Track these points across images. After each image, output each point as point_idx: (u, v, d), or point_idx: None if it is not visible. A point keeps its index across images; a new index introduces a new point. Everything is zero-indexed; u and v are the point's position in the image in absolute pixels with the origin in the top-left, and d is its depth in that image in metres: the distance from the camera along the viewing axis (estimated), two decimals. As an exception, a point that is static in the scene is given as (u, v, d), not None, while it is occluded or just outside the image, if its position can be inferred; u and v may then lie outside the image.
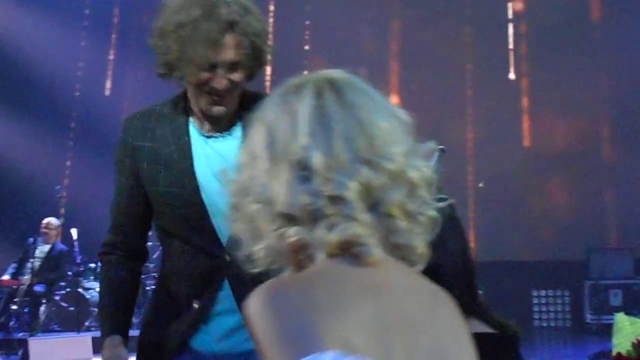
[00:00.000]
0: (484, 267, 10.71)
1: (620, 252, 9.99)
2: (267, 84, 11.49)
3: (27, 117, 10.65)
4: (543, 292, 10.49)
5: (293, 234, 1.09)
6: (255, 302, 1.05)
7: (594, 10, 10.83)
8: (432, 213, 1.15)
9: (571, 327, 10.28)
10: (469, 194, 10.75)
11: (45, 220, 9.14)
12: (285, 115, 1.13)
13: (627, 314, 4.24)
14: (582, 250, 10.06)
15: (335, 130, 1.11)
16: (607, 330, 4.38)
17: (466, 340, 1.16)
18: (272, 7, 11.49)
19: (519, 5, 10.99)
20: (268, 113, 1.16)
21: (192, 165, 2.14)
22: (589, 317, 9.76)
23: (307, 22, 11.48)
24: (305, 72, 1.21)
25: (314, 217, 1.09)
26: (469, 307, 1.61)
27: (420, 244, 1.14)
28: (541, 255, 10.56)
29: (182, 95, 2.20)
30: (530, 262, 10.63)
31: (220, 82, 2.07)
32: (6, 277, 9.04)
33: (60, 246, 9.17)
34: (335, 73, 1.19)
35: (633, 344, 3.90)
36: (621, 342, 3.96)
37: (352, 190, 1.09)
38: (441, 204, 1.16)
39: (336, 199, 1.08)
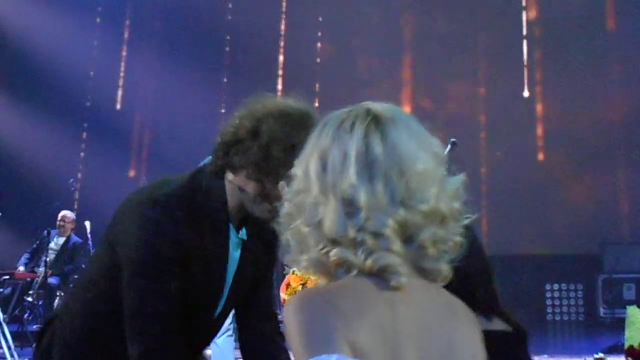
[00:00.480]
0: (497, 261, 10.60)
1: (634, 246, 9.94)
2: (280, 72, 11.49)
3: (40, 110, 10.71)
4: (557, 286, 10.46)
5: (335, 254, 1.29)
6: (291, 304, 1.26)
7: (609, 19, 10.75)
8: (458, 239, 1.33)
9: (585, 320, 10.24)
10: (482, 188, 10.72)
11: (61, 214, 9.22)
12: (337, 150, 1.30)
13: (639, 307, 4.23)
14: (596, 244, 10.02)
15: (379, 172, 1.28)
16: (620, 324, 4.37)
17: (478, 348, 1.32)
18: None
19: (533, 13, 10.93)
20: (323, 143, 1.32)
21: (225, 270, 2.13)
22: (602, 310, 9.73)
23: (320, 19, 11.46)
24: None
25: (355, 245, 1.28)
26: (492, 307, 1.87)
27: (445, 267, 1.32)
28: (555, 249, 10.53)
29: (215, 185, 2.09)
30: (543, 256, 10.59)
31: None
32: (21, 268, 9.11)
33: (75, 239, 9.24)
34: (381, 109, 1.34)
35: (645, 336, 3.88)
36: (633, 335, 3.95)
37: (389, 228, 1.27)
38: (466, 221, 1.34)
39: (376, 235, 1.27)
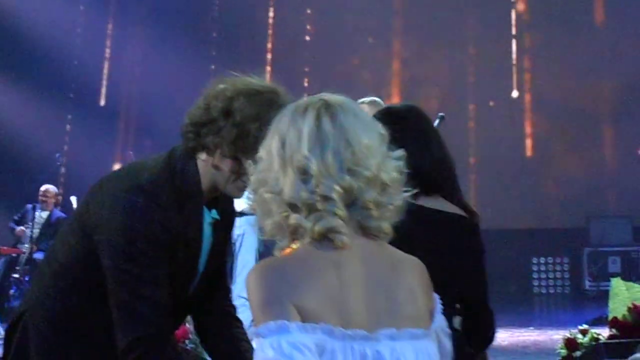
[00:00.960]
0: (485, 234, 10.67)
1: (619, 220, 10.01)
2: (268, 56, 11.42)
3: (26, 83, 10.61)
4: (543, 260, 10.54)
5: (293, 219, 1.54)
6: (251, 274, 1.52)
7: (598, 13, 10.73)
8: (399, 203, 1.58)
9: (570, 293, 10.34)
10: (469, 162, 10.74)
11: (43, 188, 9.16)
12: (293, 130, 1.57)
13: (624, 280, 4.27)
14: (581, 218, 10.08)
15: (328, 146, 1.55)
16: (605, 297, 4.41)
17: (421, 297, 1.57)
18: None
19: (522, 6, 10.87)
20: (282, 126, 1.59)
21: (200, 250, 2.16)
22: (587, 283, 9.82)
23: (308, 11, 11.37)
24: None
25: (308, 209, 1.53)
26: (453, 193, 2.28)
27: (387, 226, 1.57)
28: (541, 222, 10.59)
29: (189, 167, 2.10)
30: (530, 229, 10.66)
31: None
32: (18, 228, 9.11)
33: (59, 214, 9.19)
34: (332, 98, 1.61)
35: (629, 308, 3.92)
36: (617, 307, 3.98)
37: (336, 192, 1.53)
38: (406, 194, 1.60)
39: (325, 197, 1.52)
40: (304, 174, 1.54)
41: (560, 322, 7.64)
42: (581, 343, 4.01)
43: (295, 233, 1.55)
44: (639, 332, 3.83)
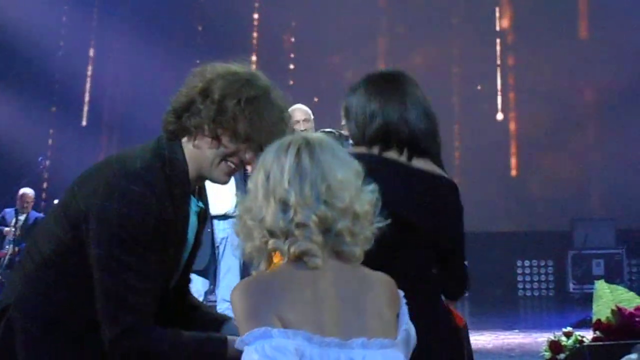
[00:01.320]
0: (470, 237, 10.67)
1: (603, 223, 10.07)
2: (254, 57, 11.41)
3: (9, 85, 10.54)
4: (527, 263, 10.58)
5: (271, 243, 1.74)
6: (236, 291, 1.73)
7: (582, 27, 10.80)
8: (368, 234, 1.78)
9: (555, 296, 10.39)
10: (455, 165, 10.77)
11: (21, 192, 9.24)
12: (277, 165, 1.76)
13: (608, 282, 4.28)
14: (565, 221, 10.13)
15: (306, 179, 1.74)
16: (589, 299, 4.42)
17: (387, 311, 1.77)
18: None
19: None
20: (267, 161, 1.78)
21: (186, 239, 2.13)
22: (572, 286, 9.86)
23: (292, 11, 11.36)
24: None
25: (286, 235, 1.73)
26: (435, 156, 2.46)
27: (358, 252, 1.77)
28: (525, 226, 10.63)
29: (176, 154, 2.07)
30: (515, 232, 10.69)
31: (252, 156, 2.06)
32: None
33: (36, 214, 9.20)
34: (313, 136, 1.83)
35: (612, 310, 3.93)
36: (601, 309, 3.99)
37: (312, 221, 1.73)
38: (379, 225, 1.80)
39: (302, 225, 1.73)
40: (284, 205, 1.74)
41: (545, 324, 7.67)
42: (565, 345, 4.01)
43: (273, 255, 1.77)
44: (623, 334, 3.83)
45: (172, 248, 2.07)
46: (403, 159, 2.40)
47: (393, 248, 2.09)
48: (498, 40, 10.99)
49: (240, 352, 1.68)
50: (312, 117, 5.36)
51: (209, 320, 2.30)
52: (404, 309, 1.83)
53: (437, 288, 2.44)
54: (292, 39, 11.39)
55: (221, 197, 5.33)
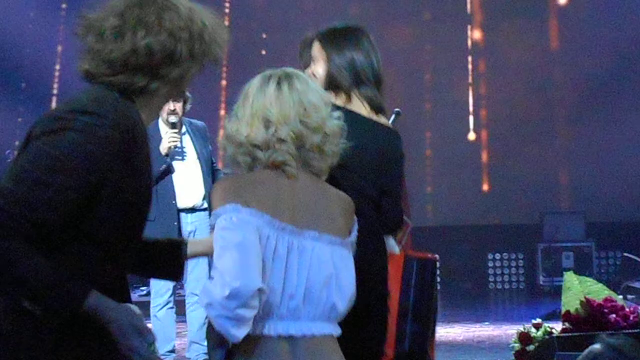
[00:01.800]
0: (441, 231, 10.82)
1: (572, 216, 10.14)
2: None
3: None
4: (498, 256, 10.64)
5: (254, 153, 2.15)
6: (216, 184, 2.23)
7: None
8: (336, 149, 2.21)
9: (525, 289, 10.45)
10: (426, 159, 10.79)
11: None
12: (260, 92, 2.18)
13: (578, 275, 4.31)
14: (535, 214, 10.19)
15: (285, 102, 2.16)
16: (559, 292, 4.45)
17: (340, 219, 2.16)
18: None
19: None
20: (251, 90, 2.20)
21: (151, 184, 2.07)
22: (542, 279, 9.93)
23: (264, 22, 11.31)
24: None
25: (267, 147, 2.14)
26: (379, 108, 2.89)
27: (324, 167, 2.20)
28: (496, 219, 10.68)
29: (124, 100, 1.97)
30: (485, 226, 10.74)
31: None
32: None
33: None
34: (291, 70, 2.24)
35: (581, 302, 3.96)
36: (570, 301, 4.01)
37: (290, 136, 2.14)
38: (342, 146, 2.23)
39: (281, 140, 2.14)
40: (267, 122, 2.14)
41: (515, 317, 7.72)
42: (534, 337, 4.04)
43: (254, 163, 2.16)
44: (592, 325, 3.86)
45: (145, 192, 1.97)
46: (364, 111, 2.83)
47: (338, 186, 2.36)
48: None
49: (94, 312, 1.78)
50: None
51: (165, 244, 2.25)
52: (355, 233, 2.20)
53: (375, 223, 2.76)
54: (263, 52, 11.30)
55: (188, 190, 5.30)
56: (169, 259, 2.25)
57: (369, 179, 2.77)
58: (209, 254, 2.15)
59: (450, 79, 10.83)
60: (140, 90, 1.97)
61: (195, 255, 2.27)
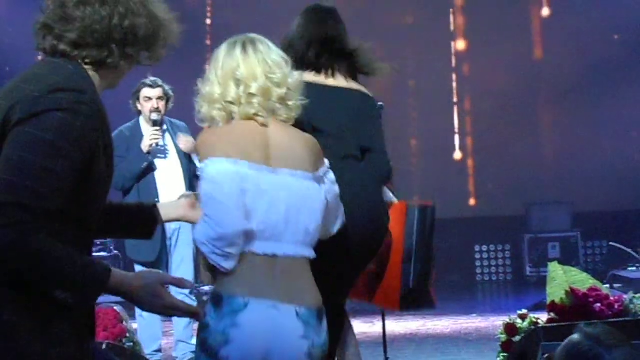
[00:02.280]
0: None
1: (558, 206, 10.17)
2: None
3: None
4: (485, 247, 10.66)
5: (231, 109, 2.50)
6: (198, 139, 2.51)
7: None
8: (296, 102, 2.55)
9: (512, 280, 10.49)
10: (411, 152, 10.79)
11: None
12: (229, 56, 2.52)
13: (564, 265, 4.31)
14: (521, 205, 10.22)
15: (252, 62, 2.51)
16: (545, 282, 4.45)
17: (308, 158, 2.51)
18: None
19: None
20: (220, 56, 2.54)
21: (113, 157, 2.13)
22: (528, 269, 9.96)
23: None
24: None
25: (240, 102, 2.48)
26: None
27: (291, 115, 2.54)
28: (482, 211, 10.70)
29: (81, 73, 1.95)
30: (472, 218, 10.76)
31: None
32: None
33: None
34: (254, 35, 2.58)
35: (566, 291, 3.96)
36: (555, 291, 4.01)
37: (257, 90, 2.49)
38: (301, 102, 2.57)
39: (250, 94, 2.49)
40: (237, 81, 2.49)
41: (503, 308, 7.74)
42: (520, 328, 4.04)
43: (230, 116, 2.49)
44: (577, 315, 3.86)
45: (108, 168, 1.99)
46: (332, 81, 3.19)
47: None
48: None
49: (115, 289, 1.91)
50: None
51: (136, 207, 2.32)
52: (330, 174, 2.58)
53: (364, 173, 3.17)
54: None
55: (170, 188, 5.26)
56: (143, 219, 2.31)
57: (346, 141, 3.13)
58: (183, 219, 2.41)
59: (433, 64, 10.82)
60: (108, 65, 1.97)
61: (170, 220, 2.42)
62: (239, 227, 2.34)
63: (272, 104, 2.49)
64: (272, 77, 2.48)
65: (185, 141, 5.26)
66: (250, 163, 2.40)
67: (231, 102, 2.47)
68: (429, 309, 3.61)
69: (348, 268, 3.11)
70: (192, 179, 5.25)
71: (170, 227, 5.23)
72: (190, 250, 5.23)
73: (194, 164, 5.38)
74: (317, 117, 2.97)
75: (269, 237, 2.40)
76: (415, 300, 3.46)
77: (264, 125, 2.47)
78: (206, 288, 8.39)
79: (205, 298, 8.21)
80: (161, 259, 5.08)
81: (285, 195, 2.42)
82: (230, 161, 2.38)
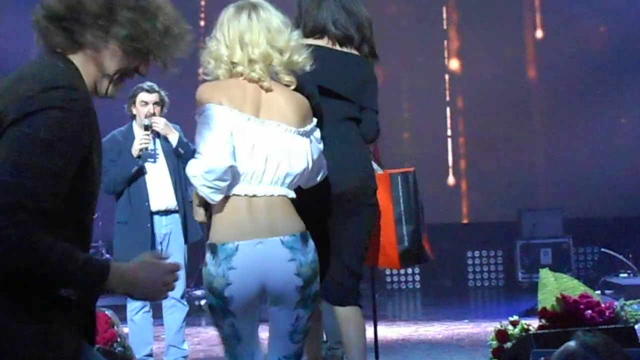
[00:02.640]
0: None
1: (550, 212, 10.18)
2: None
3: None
4: (477, 253, 10.67)
5: (237, 69, 2.83)
6: (198, 90, 2.81)
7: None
8: (301, 59, 2.87)
9: (504, 286, 10.49)
10: (403, 159, 10.79)
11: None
12: (234, 21, 2.83)
13: (556, 271, 4.31)
14: (513, 211, 10.23)
15: (255, 28, 2.82)
16: (537, 288, 4.45)
17: (299, 116, 2.86)
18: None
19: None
20: (225, 21, 2.85)
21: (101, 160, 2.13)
22: (520, 275, 9.96)
23: None
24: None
25: (244, 64, 2.82)
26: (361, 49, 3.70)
27: (291, 79, 2.91)
28: (475, 217, 10.70)
29: (74, 70, 1.95)
30: (464, 224, 10.76)
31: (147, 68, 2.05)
32: None
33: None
34: (258, 1, 2.89)
35: (557, 298, 3.96)
36: (546, 297, 4.02)
37: (258, 55, 2.82)
38: (307, 64, 2.91)
39: (252, 60, 2.82)
40: (242, 45, 2.80)
41: (495, 314, 7.73)
42: (511, 334, 4.04)
43: (234, 76, 2.83)
44: (568, 322, 3.86)
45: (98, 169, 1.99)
46: (337, 46, 3.52)
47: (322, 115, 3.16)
48: None
49: (118, 279, 1.90)
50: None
51: None
52: (317, 132, 2.91)
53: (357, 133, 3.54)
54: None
55: (161, 192, 5.25)
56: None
57: (349, 103, 3.49)
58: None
59: (427, 61, 10.83)
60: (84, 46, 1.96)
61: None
62: (226, 163, 2.69)
63: (273, 68, 2.82)
64: (273, 43, 2.80)
65: (159, 122, 5.22)
66: (241, 113, 2.75)
67: (235, 63, 2.80)
68: (425, 262, 4.03)
69: (343, 220, 3.47)
70: (180, 182, 5.23)
71: (160, 232, 5.22)
72: (181, 255, 5.21)
73: (183, 166, 5.37)
74: (323, 81, 3.33)
75: (250, 180, 2.76)
76: (412, 258, 3.88)
77: (268, 90, 2.81)
78: (198, 292, 8.39)
79: (196, 302, 8.19)
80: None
81: (268, 144, 2.76)
82: (224, 108, 2.74)
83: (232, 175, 2.73)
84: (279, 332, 2.85)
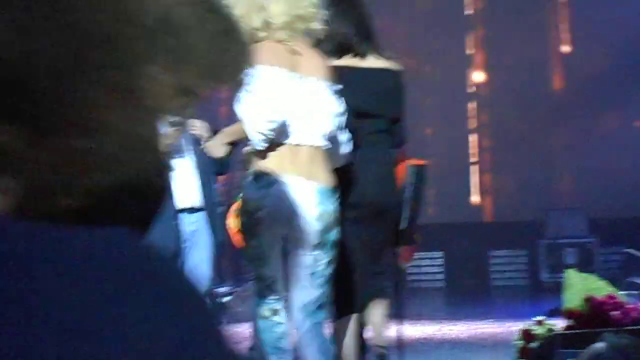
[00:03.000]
0: (444, 229, 10.80)
1: (575, 212, 10.12)
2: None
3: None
4: (501, 253, 10.62)
5: (271, 26, 3.24)
6: (257, 50, 3.11)
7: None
8: (316, 25, 3.31)
9: (528, 285, 10.43)
10: (427, 158, 10.75)
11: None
12: None
13: (580, 271, 4.29)
14: (538, 211, 10.18)
15: (283, 2, 3.22)
16: (561, 288, 4.43)
17: (328, 72, 3.38)
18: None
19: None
20: None
21: None
22: (545, 275, 9.91)
23: None
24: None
25: (277, 28, 3.23)
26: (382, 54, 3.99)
27: (314, 41, 3.37)
28: (498, 216, 10.66)
29: None
30: (488, 223, 10.72)
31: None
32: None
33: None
34: None
35: (584, 299, 3.94)
36: (572, 298, 4.00)
37: (285, 23, 3.23)
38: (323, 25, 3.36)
39: (279, 27, 3.22)
40: (268, 14, 3.17)
41: (519, 314, 7.67)
42: (537, 334, 4.02)
43: (268, 34, 3.22)
44: (594, 322, 3.84)
45: None
46: (365, 62, 3.74)
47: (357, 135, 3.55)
48: None
49: None
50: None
51: None
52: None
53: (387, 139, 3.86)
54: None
55: (187, 188, 5.23)
56: None
57: (378, 118, 3.76)
58: None
59: (448, 55, 10.80)
60: None
61: None
62: (276, 115, 3.11)
63: (301, 32, 3.22)
64: (299, 14, 3.20)
65: (199, 127, 5.19)
66: (290, 71, 3.16)
67: (263, 29, 3.18)
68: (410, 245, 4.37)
69: (365, 229, 3.73)
70: (207, 180, 5.23)
71: (187, 229, 5.21)
72: (206, 253, 5.21)
73: (209, 165, 5.35)
74: (357, 103, 3.58)
75: (294, 131, 3.18)
76: (403, 238, 4.20)
77: (298, 52, 3.22)
78: (222, 289, 8.42)
79: (219, 300, 8.23)
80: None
81: (311, 97, 3.22)
82: (274, 68, 3.14)
83: (280, 127, 3.13)
84: (299, 277, 3.18)
